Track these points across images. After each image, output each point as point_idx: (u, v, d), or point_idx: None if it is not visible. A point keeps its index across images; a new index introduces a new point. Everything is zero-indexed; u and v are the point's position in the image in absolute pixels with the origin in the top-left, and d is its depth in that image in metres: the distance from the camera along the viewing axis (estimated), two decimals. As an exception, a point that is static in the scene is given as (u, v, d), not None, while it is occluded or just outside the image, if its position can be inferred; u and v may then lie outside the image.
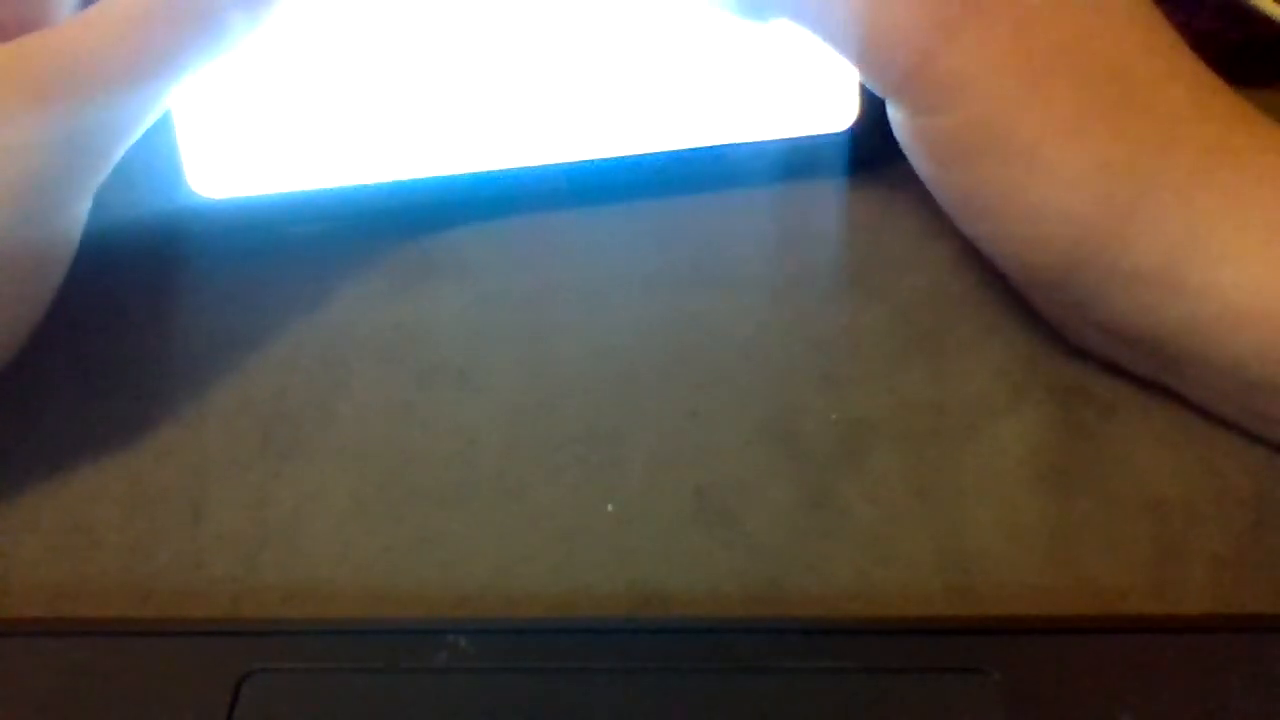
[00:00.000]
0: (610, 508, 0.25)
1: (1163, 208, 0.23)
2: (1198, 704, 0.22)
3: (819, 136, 0.29)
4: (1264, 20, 0.29)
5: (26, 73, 0.22)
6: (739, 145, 0.29)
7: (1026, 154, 0.23)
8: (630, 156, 0.29)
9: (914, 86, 0.24)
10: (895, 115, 0.25)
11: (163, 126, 0.26)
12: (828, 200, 0.30)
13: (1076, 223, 0.23)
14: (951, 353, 0.27)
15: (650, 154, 0.29)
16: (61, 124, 0.23)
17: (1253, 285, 0.22)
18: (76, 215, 0.25)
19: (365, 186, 0.28)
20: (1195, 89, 0.24)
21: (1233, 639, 0.22)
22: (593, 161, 0.29)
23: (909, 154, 0.26)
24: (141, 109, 0.24)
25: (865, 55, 0.24)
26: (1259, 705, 0.22)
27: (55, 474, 0.25)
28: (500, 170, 0.29)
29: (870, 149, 0.29)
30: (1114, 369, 0.26)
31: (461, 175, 0.29)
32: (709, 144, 0.29)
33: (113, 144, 0.24)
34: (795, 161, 0.30)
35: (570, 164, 0.29)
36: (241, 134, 0.27)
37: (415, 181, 0.28)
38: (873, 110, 0.28)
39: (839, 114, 0.29)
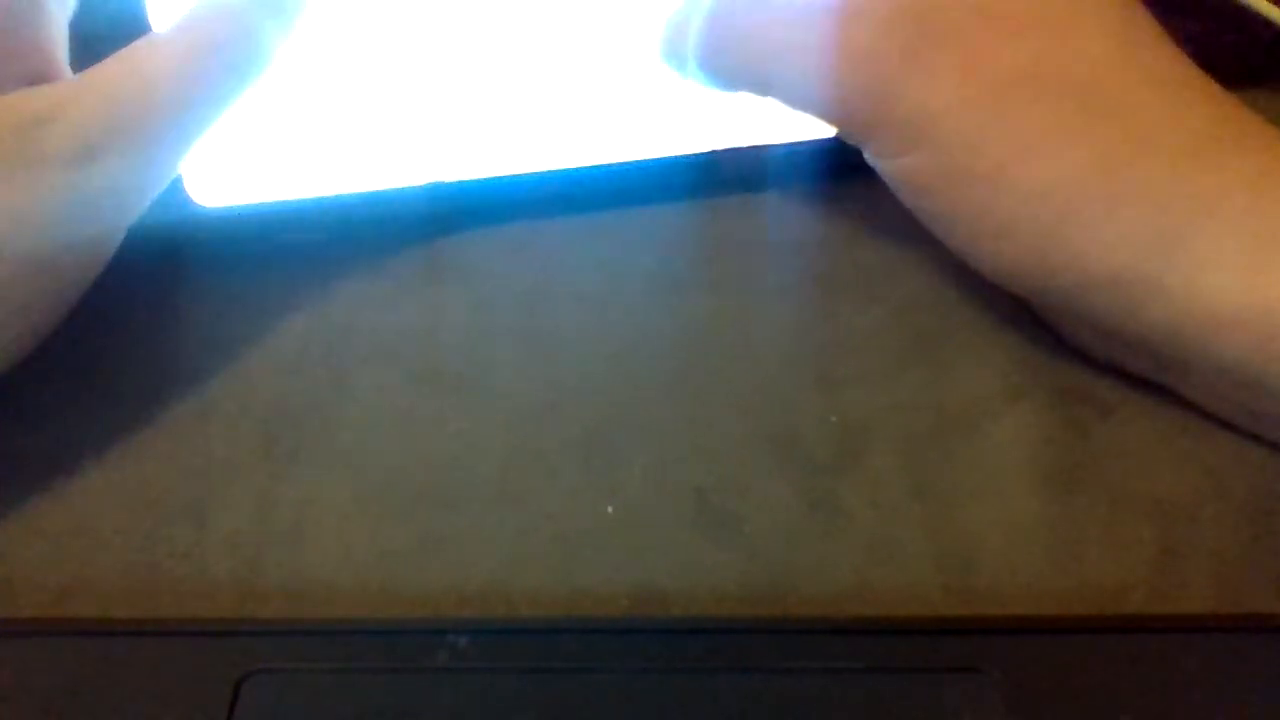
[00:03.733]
0: (610, 509, 0.25)
1: (1138, 215, 0.23)
2: (1198, 704, 0.21)
3: (813, 142, 0.29)
4: (1260, 22, 0.29)
5: (60, 134, 0.22)
6: (735, 151, 0.29)
7: (991, 177, 0.24)
8: (628, 163, 0.29)
9: (877, 136, 0.25)
10: (867, 156, 0.26)
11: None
12: (826, 203, 0.30)
13: (1041, 234, 0.24)
14: (950, 354, 0.27)
15: (649, 160, 0.29)
16: (100, 175, 0.23)
17: (1235, 289, 0.22)
18: (111, 242, 0.25)
19: (365, 194, 0.28)
20: (1173, 94, 0.24)
21: (1233, 639, 0.22)
22: (590, 168, 0.29)
23: (885, 182, 0.26)
24: (176, 156, 0.24)
25: (828, 116, 0.26)
26: (1259, 705, 0.21)
27: (58, 476, 0.25)
28: (499, 177, 0.29)
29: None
30: (1113, 369, 0.26)
31: (462, 182, 0.29)
32: (705, 150, 0.29)
33: (148, 190, 0.24)
34: (790, 166, 0.30)
35: (566, 171, 0.29)
36: (241, 143, 0.27)
37: (415, 188, 0.29)
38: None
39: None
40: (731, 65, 0.26)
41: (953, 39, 0.24)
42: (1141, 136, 0.23)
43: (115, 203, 0.24)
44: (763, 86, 0.26)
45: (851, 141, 0.26)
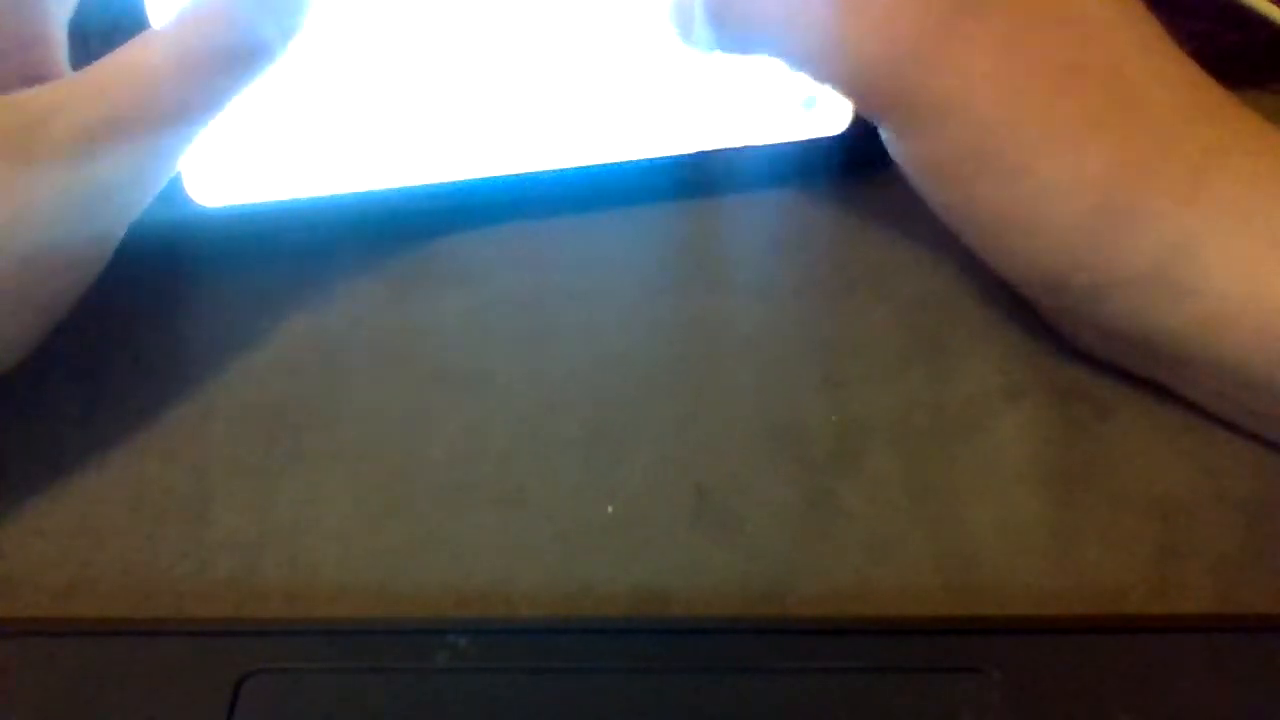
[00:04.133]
0: (611, 509, 0.25)
1: (1156, 214, 0.23)
2: (1198, 704, 0.22)
3: (814, 141, 0.29)
4: (1261, 21, 0.29)
5: (60, 131, 0.22)
6: (736, 150, 0.29)
7: (1018, 171, 0.23)
8: (630, 162, 0.29)
9: (900, 112, 0.24)
10: (885, 136, 0.25)
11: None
12: (827, 203, 0.30)
13: (1070, 231, 0.23)
14: (951, 353, 0.27)
15: (650, 159, 0.29)
16: (99, 173, 0.23)
17: (1247, 289, 0.22)
18: (111, 241, 0.25)
19: (365, 194, 0.28)
20: (1188, 93, 0.24)
21: (1233, 639, 0.22)
22: (591, 167, 0.29)
23: (903, 172, 0.26)
24: (175, 152, 0.24)
25: (850, 84, 0.24)
26: (1259, 705, 0.22)
27: (59, 476, 0.25)
28: (500, 176, 0.29)
29: (865, 152, 0.29)
30: (1113, 369, 0.26)
31: (462, 181, 0.29)
32: (707, 149, 0.29)
33: (148, 187, 0.24)
34: (792, 165, 0.30)
35: (568, 170, 0.29)
36: (240, 142, 0.27)
37: (415, 188, 0.29)
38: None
39: (833, 118, 0.29)
40: (741, 21, 0.25)
41: (997, 17, 0.23)
42: (1162, 136, 0.23)
43: (114, 200, 0.24)
44: (774, 48, 0.25)
45: (868, 116, 0.25)
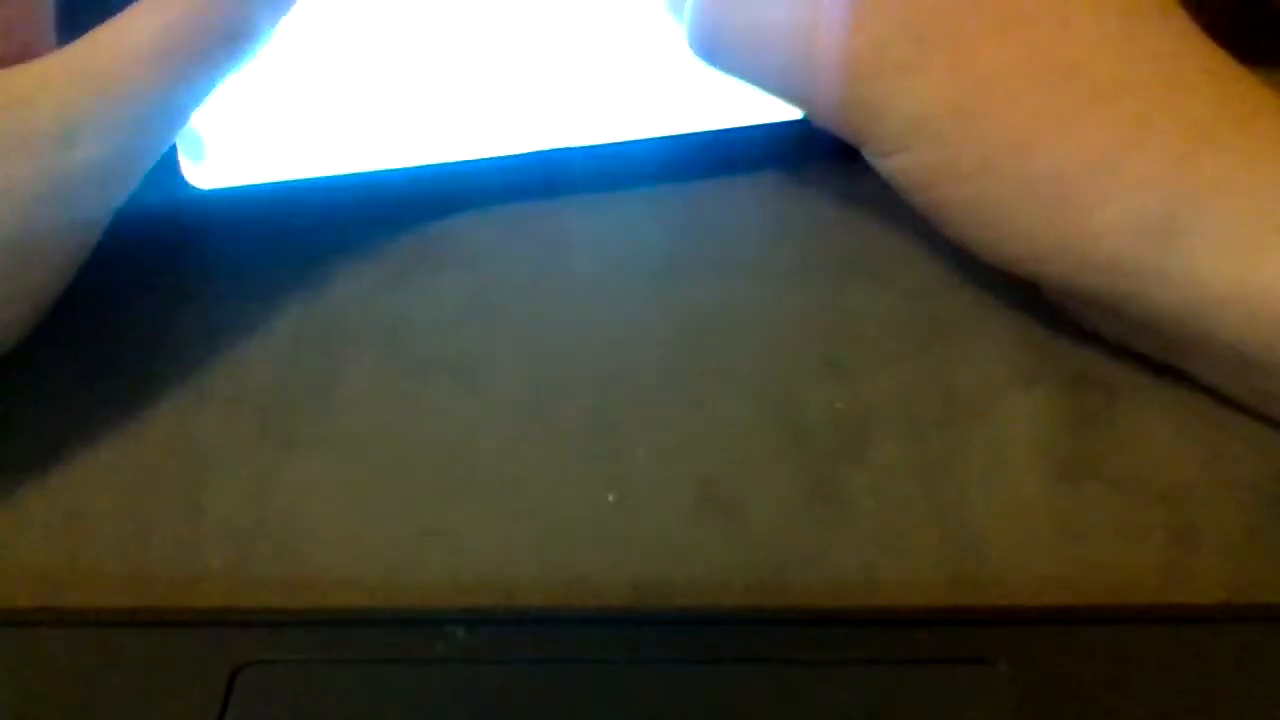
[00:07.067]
0: (611, 498, 0.25)
1: (1132, 202, 0.23)
2: (1209, 694, 0.21)
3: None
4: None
5: (44, 111, 0.22)
6: (742, 129, 0.29)
7: (977, 172, 0.24)
8: (632, 142, 0.29)
9: (869, 138, 0.25)
10: (860, 149, 0.26)
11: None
12: (832, 186, 0.29)
13: (1035, 224, 0.24)
14: (958, 340, 0.27)
15: (652, 139, 0.29)
16: (85, 155, 0.23)
17: (1235, 270, 0.22)
18: (99, 224, 0.25)
19: (361, 175, 0.28)
20: (1177, 73, 0.23)
21: (1244, 628, 0.22)
22: (592, 147, 0.29)
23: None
24: (164, 134, 0.24)
25: (820, 120, 0.26)
26: (1270, 695, 0.21)
27: (52, 464, 0.25)
28: (497, 157, 0.28)
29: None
30: (1122, 354, 0.26)
31: (460, 162, 0.28)
32: (710, 129, 0.29)
33: (135, 169, 0.24)
34: (795, 147, 0.29)
35: (567, 150, 0.29)
36: (237, 124, 0.27)
37: (413, 169, 0.28)
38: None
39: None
40: (722, 55, 0.26)
41: (946, 41, 0.24)
42: (1140, 120, 0.23)
43: (100, 182, 0.23)
44: (753, 79, 0.26)
45: (845, 139, 0.26)
